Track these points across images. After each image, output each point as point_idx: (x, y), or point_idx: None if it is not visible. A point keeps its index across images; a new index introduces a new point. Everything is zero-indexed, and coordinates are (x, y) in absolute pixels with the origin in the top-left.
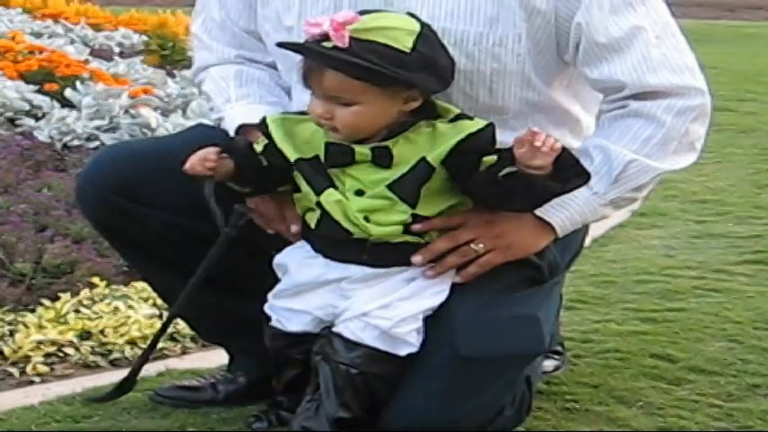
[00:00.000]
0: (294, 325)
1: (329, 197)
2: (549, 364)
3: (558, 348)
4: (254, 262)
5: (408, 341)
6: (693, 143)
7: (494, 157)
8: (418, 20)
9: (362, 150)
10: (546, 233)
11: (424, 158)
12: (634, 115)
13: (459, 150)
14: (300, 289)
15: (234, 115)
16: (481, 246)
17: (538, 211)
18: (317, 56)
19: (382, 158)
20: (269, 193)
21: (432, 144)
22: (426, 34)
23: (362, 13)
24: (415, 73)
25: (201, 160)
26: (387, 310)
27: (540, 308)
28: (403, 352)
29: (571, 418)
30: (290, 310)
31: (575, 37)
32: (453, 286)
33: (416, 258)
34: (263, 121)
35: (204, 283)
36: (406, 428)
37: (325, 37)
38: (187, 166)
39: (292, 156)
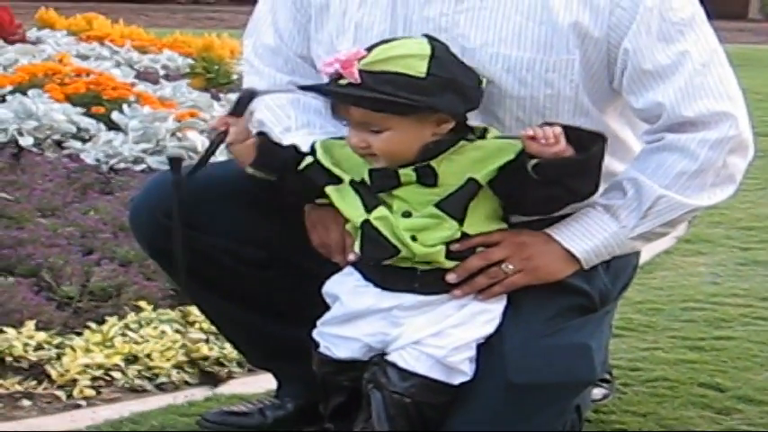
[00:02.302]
0: (343, 352)
1: (379, 213)
2: (597, 392)
3: (607, 376)
4: (302, 288)
5: (462, 370)
6: (732, 176)
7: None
8: (432, 41)
9: (406, 172)
10: (571, 262)
11: (472, 178)
12: (669, 149)
13: (508, 169)
14: (351, 317)
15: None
16: (511, 267)
17: (564, 241)
18: (334, 95)
19: (427, 177)
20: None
21: (479, 161)
22: (440, 56)
23: (380, 43)
24: (434, 97)
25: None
26: (439, 338)
27: (592, 336)
28: (457, 381)
29: None
30: (339, 336)
31: (621, 63)
32: (505, 313)
33: (450, 276)
34: (312, 146)
35: (252, 308)
36: None
37: (341, 75)
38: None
39: (346, 177)
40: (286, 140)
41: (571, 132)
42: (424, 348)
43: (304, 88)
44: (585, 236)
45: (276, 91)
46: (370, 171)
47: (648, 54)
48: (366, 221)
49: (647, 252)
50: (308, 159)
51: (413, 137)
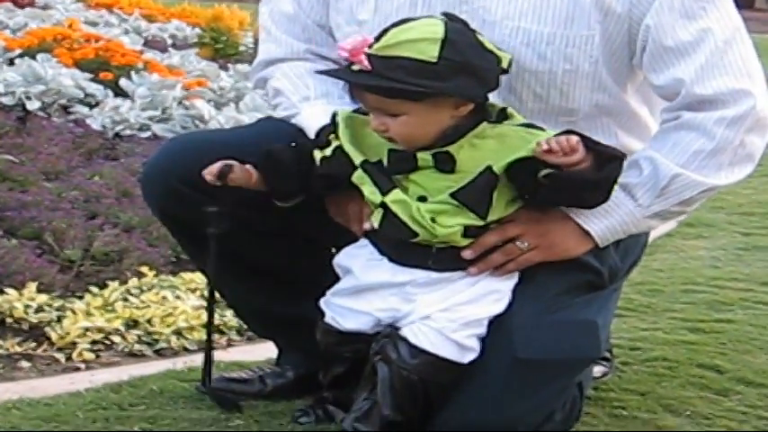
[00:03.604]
0: (350, 323)
1: (395, 197)
2: (597, 370)
3: (607, 355)
4: (311, 258)
5: (471, 347)
6: (751, 155)
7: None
8: (448, 22)
9: (424, 156)
10: (587, 240)
11: (489, 168)
12: (686, 127)
13: (524, 163)
14: (363, 289)
15: (313, 113)
16: (526, 244)
17: (579, 219)
18: (346, 81)
19: (444, 163)
20: (320, 198)
21: (499, 151)
22: (453, 39)
23: (395, 25)
24: (447, 81)
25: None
26: (449, 312)
27: (599, 313)
28: (466, 359)
29: (619, 425)
30: (348, 309)
31: (642, 40)
32: (515, 288)
33: (466, 253)
34: (334, 117)
35: (258, 277)
36: (459, 430)
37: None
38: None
39: (357, 159)
40: (304, 109)
41: (589, 144)
42: (434, 323)
43: (320, 72)
44: (601, 214)
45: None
46: (389, 151)
47: (670, 30)
48: (382, 203)
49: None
50: (327, 152)
51: (430, 121)
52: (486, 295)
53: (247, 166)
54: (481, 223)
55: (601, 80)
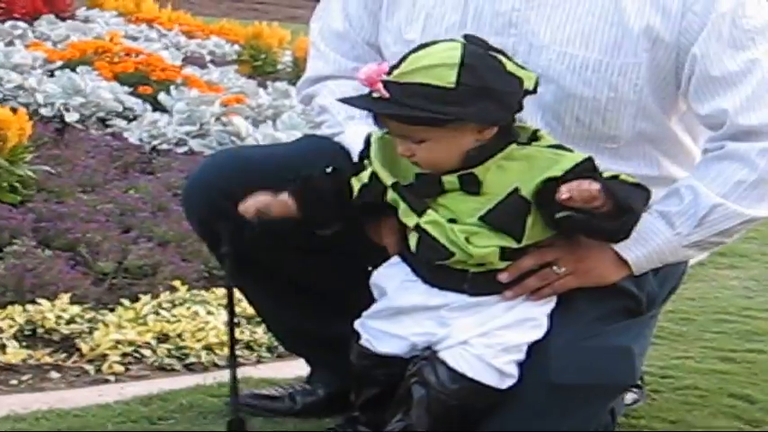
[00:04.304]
0: (385, 347)
1: (429, 218)
2: (628, 397)
3: (639, 382)
4: (346, 276)
5: (510, 373)
6: None
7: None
8: (470, 43)
9: (450, 179)
10: (622, 268)
11: (517, 190)
12: (729, 158)
13: (549, 185)
14: (397, 312)
15: (357, 133)
16: (563, 269)
17: (616, 247)
18: (364, 108)
19: (470, 185)
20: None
21: (526, 172)
22: (471, 63)
23: (414, 51)
24: (466, 106)
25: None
26: (487, 338)
27: (636, 340)
28: (505, 385)
29: None
30: (383, 332)
31: (689, 69)
32: (553, 311)
33: (502, 276)
34: (368, 139)
35: (292, 294)
36: None
37: None
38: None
39: (388, 180)
40: (348, 127)
41: (610, 190)
42: (473, 349)
43: (339, 100)
44: (639, 242)
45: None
46: (417, 176)
47: (717, 61)
48: (417, 225)
49: None
50: (364, 178)
51: (453, 145)
52: (524, 322)
53: (284, 198)
54: (516, 246)
55: (645, 108)
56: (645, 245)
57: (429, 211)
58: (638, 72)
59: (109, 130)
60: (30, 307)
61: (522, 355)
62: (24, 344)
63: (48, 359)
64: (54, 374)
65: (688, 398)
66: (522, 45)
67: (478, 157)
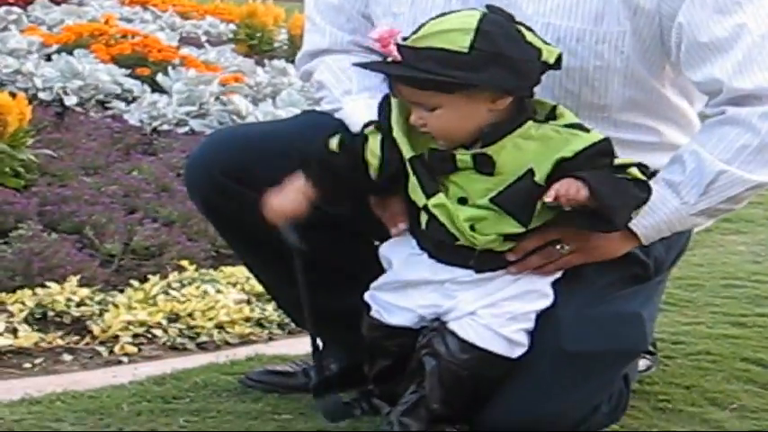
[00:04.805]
0: (395, 318)
1: (437, 201)
2: (641, 363)
3: (651, 348)
4: (357, 251)
5: (520, 341)
6: None
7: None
8: (487, 14)
9: (463, 157)
10: (630, 239)
11: (531, 171)
12: (731, 123)
13: (561, 166)
14: (404, 284)
15: (356, 108)
16: (567, 247)
17: None
18: (376, 72)
19: (484, 165)
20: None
21: (541, 153)
22: (487, 29)
23: (433, 18)
24: (478, 72)
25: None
26: (494, 308)
27: (645, 305)
28: (515, 354)
29: (665, 418)
30: (392, 304)
31: (676, 37)
32: (559, 281)
33: (510, 256)
34: (386, 98)
35: (308, 270)
36: (506, 423)
37: None
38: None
39: (408, 153)
40: (346, 104)
41: (597, 197)
42: (480, 319)
43: (354, 64)
44: (646, 212)
45: None
46: (430, 150)
47: (704, 27)
48: (425, 207)
49: None
50: (375, 152)
51: (466, 114)
52: (529, 293)
53: (301, 186)
54: (522, 230)
55: (633, 75)
56: (652, 215)
57: (439, 195)
58: (622, 39)
59: (108, 112)
60: (39, 290)
61: (530, 324)
62: (36, 327)
63: (60, 342)
64: (67, 357)
65: (701, 363)
66: None
67: (494, 134)
